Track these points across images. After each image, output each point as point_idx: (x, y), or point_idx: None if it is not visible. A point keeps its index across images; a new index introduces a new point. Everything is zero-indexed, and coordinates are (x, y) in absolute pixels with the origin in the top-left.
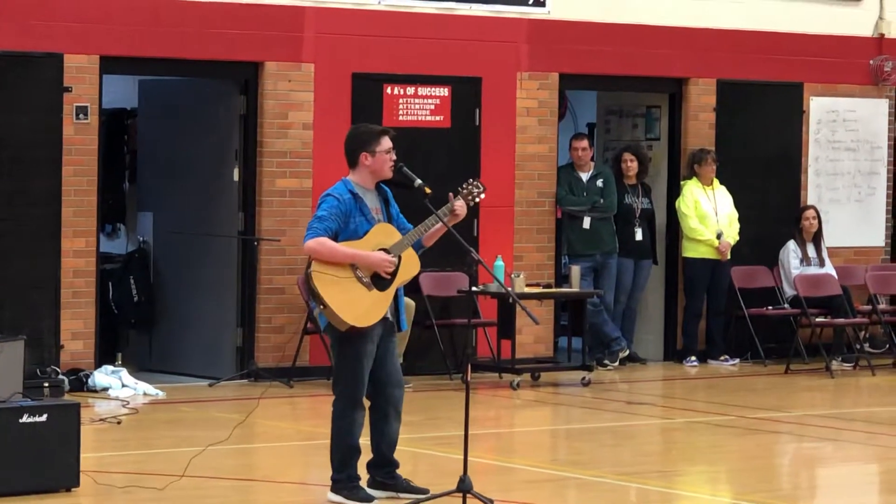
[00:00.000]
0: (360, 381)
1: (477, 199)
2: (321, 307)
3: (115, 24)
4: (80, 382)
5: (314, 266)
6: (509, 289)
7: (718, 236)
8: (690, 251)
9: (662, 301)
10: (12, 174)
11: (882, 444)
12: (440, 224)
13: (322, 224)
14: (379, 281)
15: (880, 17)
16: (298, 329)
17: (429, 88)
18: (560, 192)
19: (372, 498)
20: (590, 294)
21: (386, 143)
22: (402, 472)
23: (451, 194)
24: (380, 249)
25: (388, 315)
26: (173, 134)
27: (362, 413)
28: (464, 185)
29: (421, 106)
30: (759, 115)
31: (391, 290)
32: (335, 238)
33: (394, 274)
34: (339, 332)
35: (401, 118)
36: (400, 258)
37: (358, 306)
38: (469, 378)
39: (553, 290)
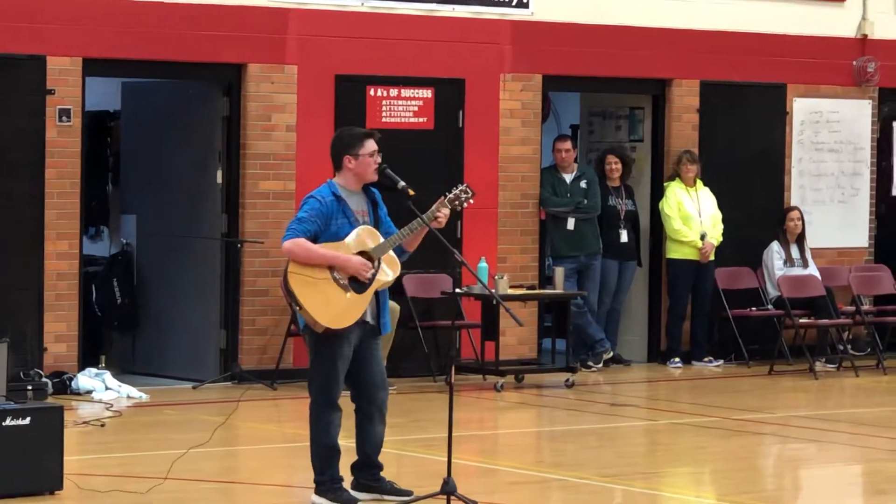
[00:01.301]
0: (335, 383)
1: (464, 205)
2: (298, 308)
3: (98, 27)
4: (63, 385)
5: (291, 267)
6: (493, 290)
7: (702, 237)
8: (674, 252)
9: (646, 302)
10: None
11: (865, 445)
12: (423, 227)
13: (301, 226)
14: (356, 283)
15: (863, 18)
16: (282, 331)
17: (412, 90)
18: (544, 193)
19: (356, 500)
20: (573, 295)
21: (370, 145)
22: (386, 474)
23: (442, 198)
24: (360, 252)
25: (370, 318)
26: (156, 136)
27: (339, 414)
28: (451, 190)
29: (404, 107)
30: (743, 116)
31: (369, 293)
32: (315, 240)
33: (372, 277)
34: (316, 333)
35: (384, 120)
36: (380, 261)
37: (334, 308)
38: (453, 380)
39: (537, 291)
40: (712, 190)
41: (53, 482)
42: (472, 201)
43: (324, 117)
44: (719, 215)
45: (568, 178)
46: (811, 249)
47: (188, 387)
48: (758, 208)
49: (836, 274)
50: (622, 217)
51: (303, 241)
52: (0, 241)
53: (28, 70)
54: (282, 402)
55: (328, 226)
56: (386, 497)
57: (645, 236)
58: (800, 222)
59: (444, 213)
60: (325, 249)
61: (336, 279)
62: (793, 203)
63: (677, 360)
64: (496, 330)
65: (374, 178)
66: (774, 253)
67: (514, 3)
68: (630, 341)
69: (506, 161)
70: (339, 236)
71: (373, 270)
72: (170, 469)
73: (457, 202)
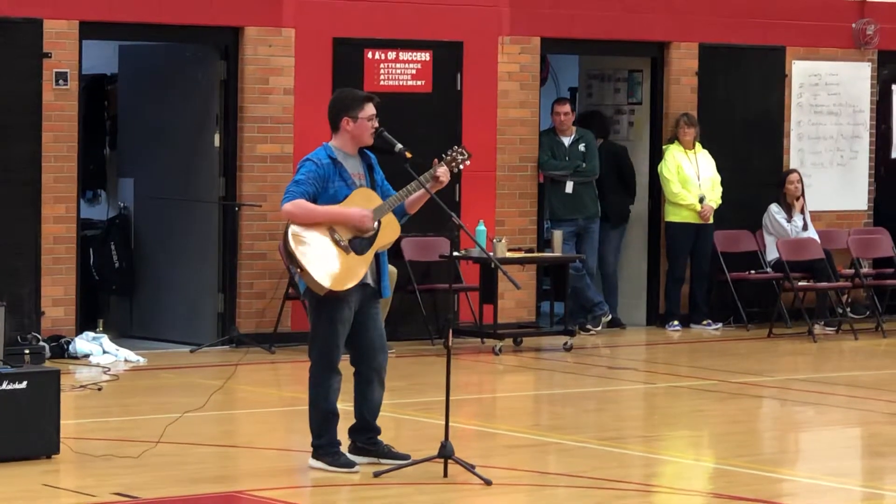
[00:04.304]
0: (335, 346)
1: (461, 166)
2: (298, 271)
3: None
4: (60, 349)
5: (291, 229)
6: (491, 254)
7: (701, 200)
8: (673, 215)
9: (645, 265)
10: None
11: (864, 409)
12: (423, 190)
13: (299, 188)
14: (357, 244)
15: None
16: (280, 295)
17: (410, 53)
18: (542, 156)
19: (353, 464)
20: (572, 259)
21: (369, 109)
22: (384, 437)
23: (435, 160)
24: None
25: (370, 281)
26: (153, 99)
27: (338, 378)
28: (448, 152)
29: (402, 71)
30: (742, 78)
31: (369, 255)
32: (313, 202)
33: (372, 238)
34: (317, 296)
35: (382, 83)
36: (379, 223)
37: (335, 270)
38: (451, 343)
39: (535, 254)
40: (711, 153)
41: (50, 446)
42: (468, 163)
43: (321, 81)
44: (718, 178)
45: (566, 141)
46: (810, 212)
47: (186, 350)
48: (757, 171)
49: (836, 237)
50: None
51: (302, 202)
52: None
53: (24, 33)
54: (280, 365)
55: (326, 188)
56: (383, 460)
57: (644, 200)
58: (799, 185)
59: (442, 171)
60: (324, 207)
61: (337, 241)
62: (792, 166)
63: (676, 323)
64: (494, 293)
65: (371, 141)
66: (775, 213)
67: None
68: (629, 304)
69: (504, 124)
70: (336, 199)
71: (375, 223)
72: (163, 433)
73: (453, 164)
